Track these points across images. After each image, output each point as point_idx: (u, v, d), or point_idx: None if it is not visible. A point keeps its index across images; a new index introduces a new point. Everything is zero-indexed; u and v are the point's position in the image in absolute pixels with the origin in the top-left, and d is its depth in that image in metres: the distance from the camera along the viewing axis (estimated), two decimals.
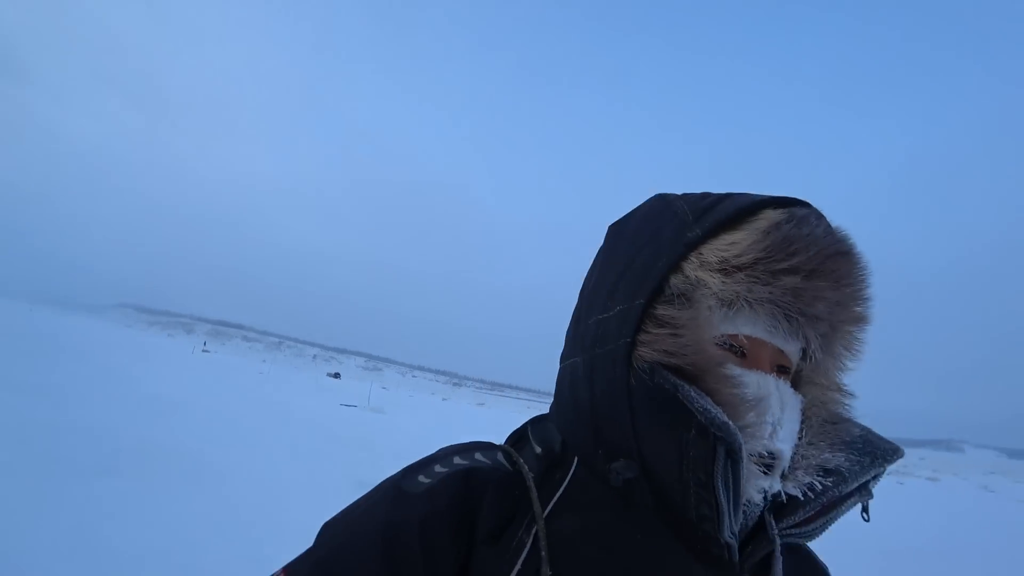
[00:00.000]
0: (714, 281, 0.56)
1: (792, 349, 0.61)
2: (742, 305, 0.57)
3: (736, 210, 0.58)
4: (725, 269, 0.56)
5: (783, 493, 0.58)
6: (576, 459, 0.61)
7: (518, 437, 0.69)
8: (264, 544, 3.82)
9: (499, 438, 0.70)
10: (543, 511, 0.56)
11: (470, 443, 0.65)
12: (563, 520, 0.56)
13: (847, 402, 0.65)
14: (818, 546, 0.67)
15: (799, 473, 0.58)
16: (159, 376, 13.83)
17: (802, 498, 0.58)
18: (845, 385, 0.66)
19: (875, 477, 0.59)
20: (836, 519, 0.59)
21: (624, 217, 0.69)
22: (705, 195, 0.63)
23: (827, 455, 0.59)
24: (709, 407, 0.50)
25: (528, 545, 0.53)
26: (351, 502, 0.61)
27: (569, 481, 0.59)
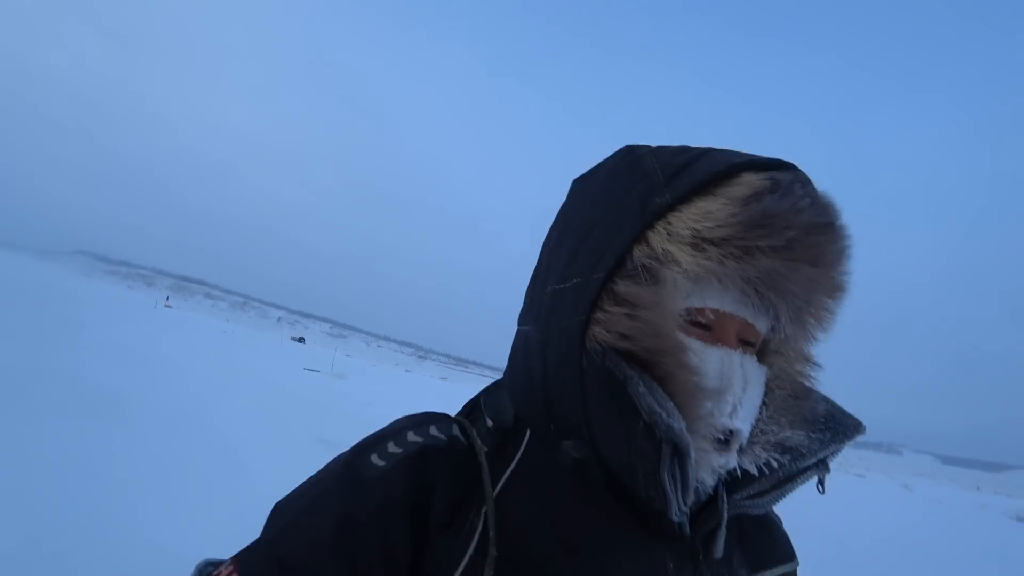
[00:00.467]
0: (684, 256, 0.51)
1: (762, 324, 0.57)
2: (710, 280, 0.53)
3: (712, 173, 0.52)
4: (696, 243, 0.51)
5: (738, 467, 0.56)
6: (528, 432, 0.59)
7: (472, 407, 0.67)
8: (232, 487, 4.20)
9: (456, 411, 0.69)
10: (494, 489, 0.54)
11: (424, 415, 0.63)
12: (514, 498, 0.54)
13: (813, 374, 0.63)
14: None
15: (757, 448, 0.57)
16: (124, 327, 13.71)
17: (757, 474, 0.57)
18: (812, 356, 0.63)
19: (833, 453, 0.57)
20: (791, 491, 0.58)
21: (589, 172, 0.63)
22: (681, 150, 0.57)
23: (787, 433, 0.57)
24: (655, 407, 0.47)
25: (480, 527, 0.52)
26: (303, 481, 0.58)
27: (520, 457, 0.57)
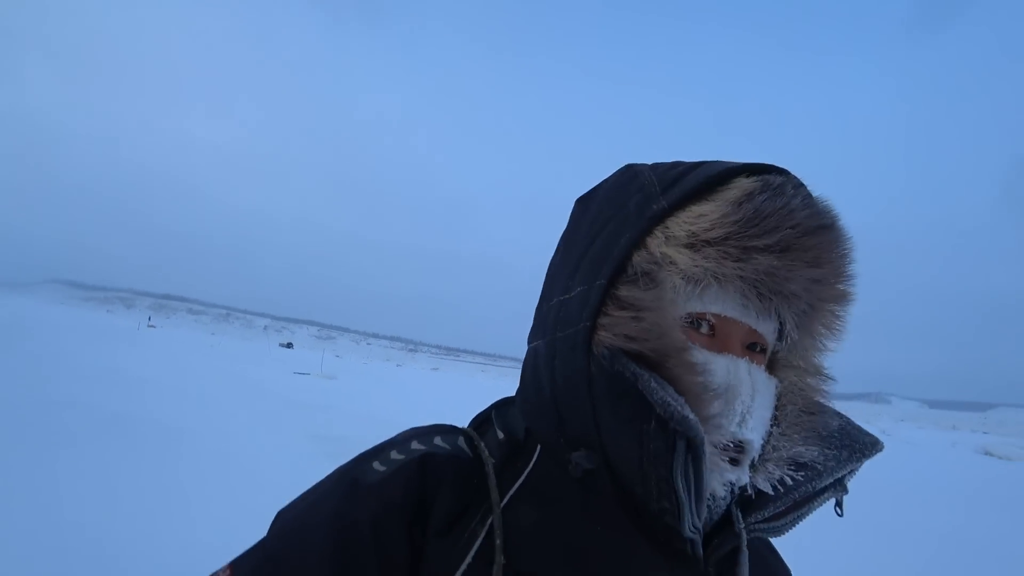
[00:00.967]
0: (681, 258, 0.52)
1: (766, 329, 0.56)
2: (710, 281, 0.53)
3: (705, 179, 0.53)
4: (693, 244, 0.52)
5: (752, 487, 0.55)
6: (539, 447, 0.59)
7: (481, 421, 0.66)
8: (241, 496, 4.29)
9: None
10: (501, 500, 0.54)
11: (431, 426, 0.62)
12: (521, 510, 0.53)
13: (826, 388, 0.61)
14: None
15: (770, 465, 0.55)
16: (112, 351, 13.86)
17: (772, 493, 0.55)
18: (824, 368, 0.62)
19: (851, 472, 0.55)
20: (807, 515, 0.56)
21: (590, 190, 0.65)
22: (676, 164, 0.59)
23: (800, 448, 0.56)
24: (669, 399, 0.47)
25: (481, 536, 0.51)
26: (308, 487, 0.58)
27: (531, 470, 0.57)
